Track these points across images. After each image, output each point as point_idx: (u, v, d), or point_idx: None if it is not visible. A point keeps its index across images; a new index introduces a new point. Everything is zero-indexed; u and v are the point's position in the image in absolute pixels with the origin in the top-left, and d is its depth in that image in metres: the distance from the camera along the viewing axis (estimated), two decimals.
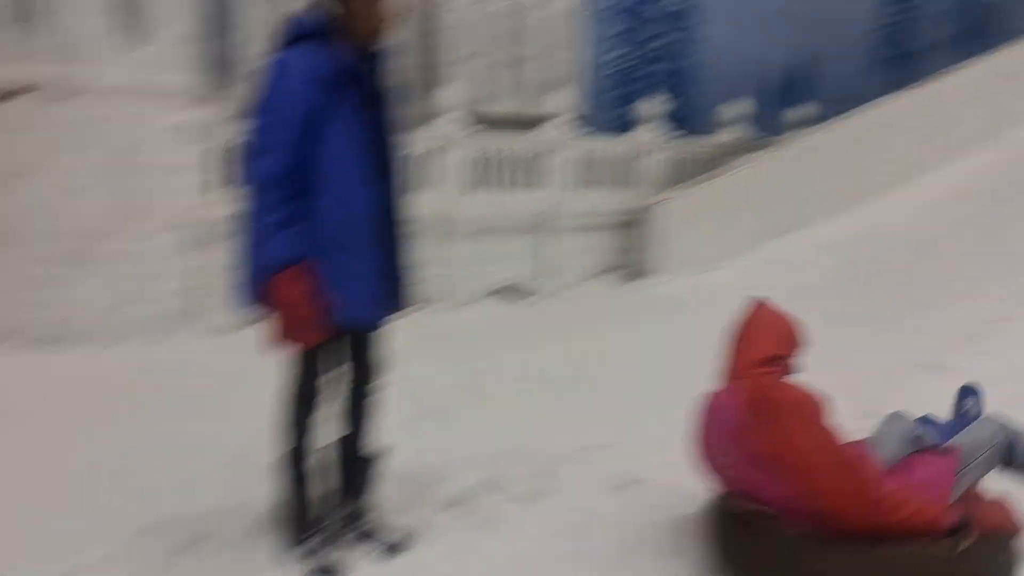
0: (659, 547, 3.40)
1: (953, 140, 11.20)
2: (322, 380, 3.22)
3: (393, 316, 3.33)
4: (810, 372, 3.14)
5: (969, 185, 10.24)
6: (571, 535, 3.53)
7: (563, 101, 10.20)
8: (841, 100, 12.33)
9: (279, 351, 3.11)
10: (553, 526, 3.61)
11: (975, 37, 24.80)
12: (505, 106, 11.63)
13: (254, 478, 3.67)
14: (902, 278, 8.03)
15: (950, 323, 6.52)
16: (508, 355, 6.87)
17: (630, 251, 10.08)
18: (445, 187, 8.89)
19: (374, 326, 3.28)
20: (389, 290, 3.27)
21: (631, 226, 10.07)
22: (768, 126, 13.16)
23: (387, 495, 3.57)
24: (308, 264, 2.96)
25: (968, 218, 9.30)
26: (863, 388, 5.01)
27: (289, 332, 3.00)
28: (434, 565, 3.31)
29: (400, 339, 3.56)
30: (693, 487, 3.50)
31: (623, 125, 13.81)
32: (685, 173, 10.79)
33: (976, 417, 3.47)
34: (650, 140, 10.73)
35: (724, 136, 12.02)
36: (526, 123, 10.50)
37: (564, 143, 9.78)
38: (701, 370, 5.84)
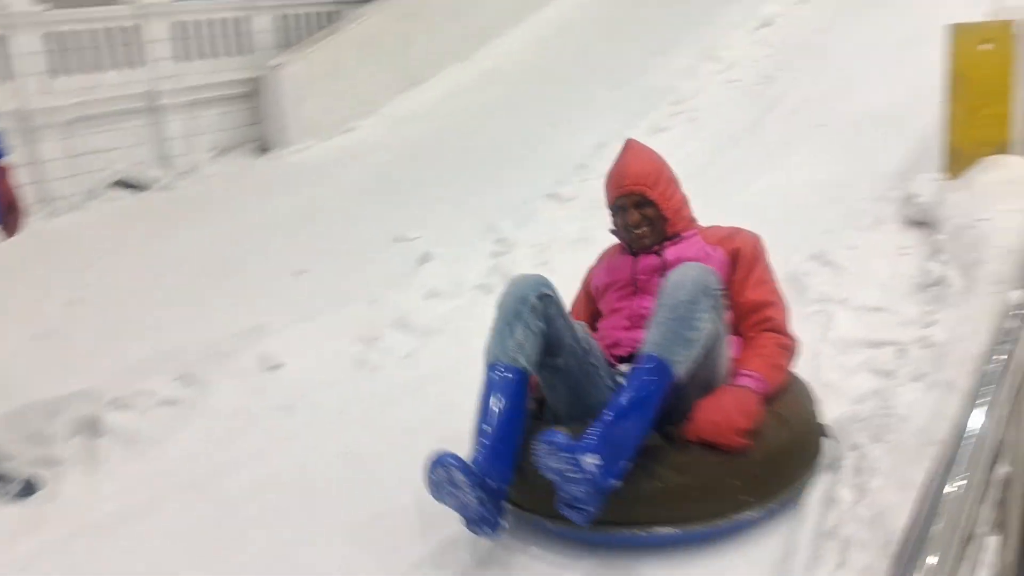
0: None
1: None
2: None
3: None
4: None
5: (577, 14, 10.41)
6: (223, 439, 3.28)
7: None
8: None
9: None
10: (199, 435, 3.30)
11: None
12: None
13: None
14: (524, 115, 8.04)
15: (570, 154, 6.65)
16: (135, 254, 6.21)
17: (257, 122, 9.25)
18: (14, 77, 7.41)
19: None
20: None
21: (253, 96, 9.22)
22: None
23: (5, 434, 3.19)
24: None
25: (578, 48, 9.47)
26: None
27: None
28: (70, 502, 2.97)
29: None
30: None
31: None
32: (301, 31, 10.01)
33: None
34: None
35: None
36: None
37: (159, 11, 8.61)
38: (340, 233, 6.00)
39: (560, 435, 2.18)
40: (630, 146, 2.93)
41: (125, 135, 8.25)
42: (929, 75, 5.10)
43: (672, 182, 2.87)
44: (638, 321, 2.65)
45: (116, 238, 6.72)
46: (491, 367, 2.47)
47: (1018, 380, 1.72)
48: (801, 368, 2.91)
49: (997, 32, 4.32)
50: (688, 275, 2.42)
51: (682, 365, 2.33)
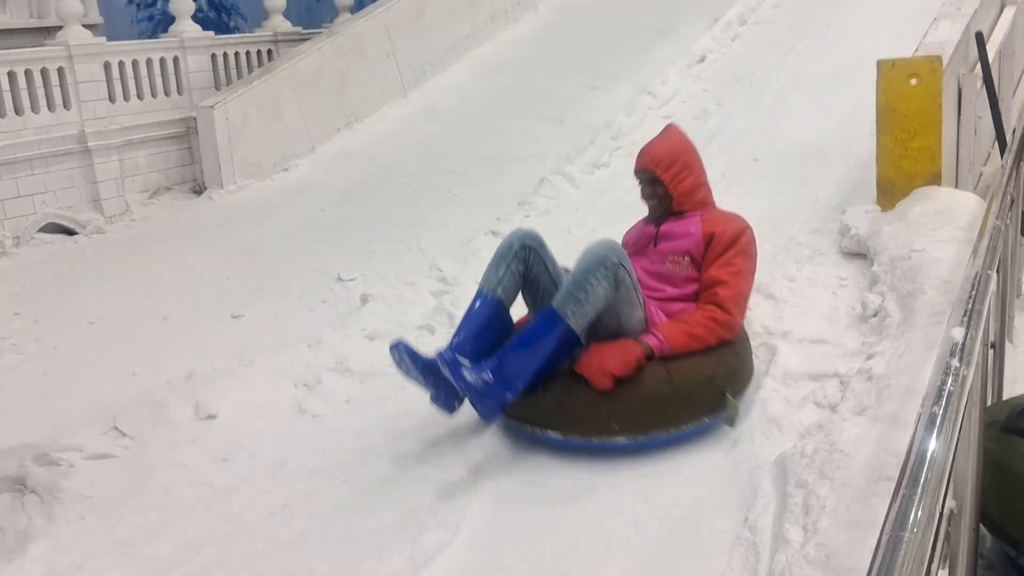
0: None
1: (500, 11, 11.13)
2: None
3: None
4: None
5: (514, 51, 10.42)
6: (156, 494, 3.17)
7: (72, 7, 8.60)
8: None
9: None
10: (131, 491, 3.19)
11: None
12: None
13: None
14: (464, 151, 7.98)
15: (511, 190, 6.73)
16: (66, 300, 6.06)
17: (192, 163, 9.27)
18: None
19: None
20: None
21: (188, 136, 9.25)
22: (314, 13, 12.90)
23: None
24: None
25: (516, 84, 9.45)
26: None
27: None
28: None
29: None
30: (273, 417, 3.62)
31: (155, 26, 12.69)
32: (236, 70, 10.11)
33: None
34: (190, 39, 9.65)
35: (271, 27, 11.05)
36: (33, 35, 9.38)
37: (90, 51, 8.53)
38: (277, 274, 6.00)
39: (448, 354, 2.84)
40: (666, 130, 3.62)
41: (55, 178, 8.06)
42: (861, 107, 5.21)
43: (686, 168, 3.44)
44: None
45: (46, 284, 6.53)
46: (477, 293, 3.20)
47: (961, 414, 1.74)
48: (747, 402, 3.01)
49: (925, 67, 4.42)
50: (591, 249, 3.01)
51: (573, 318, 2.94)
